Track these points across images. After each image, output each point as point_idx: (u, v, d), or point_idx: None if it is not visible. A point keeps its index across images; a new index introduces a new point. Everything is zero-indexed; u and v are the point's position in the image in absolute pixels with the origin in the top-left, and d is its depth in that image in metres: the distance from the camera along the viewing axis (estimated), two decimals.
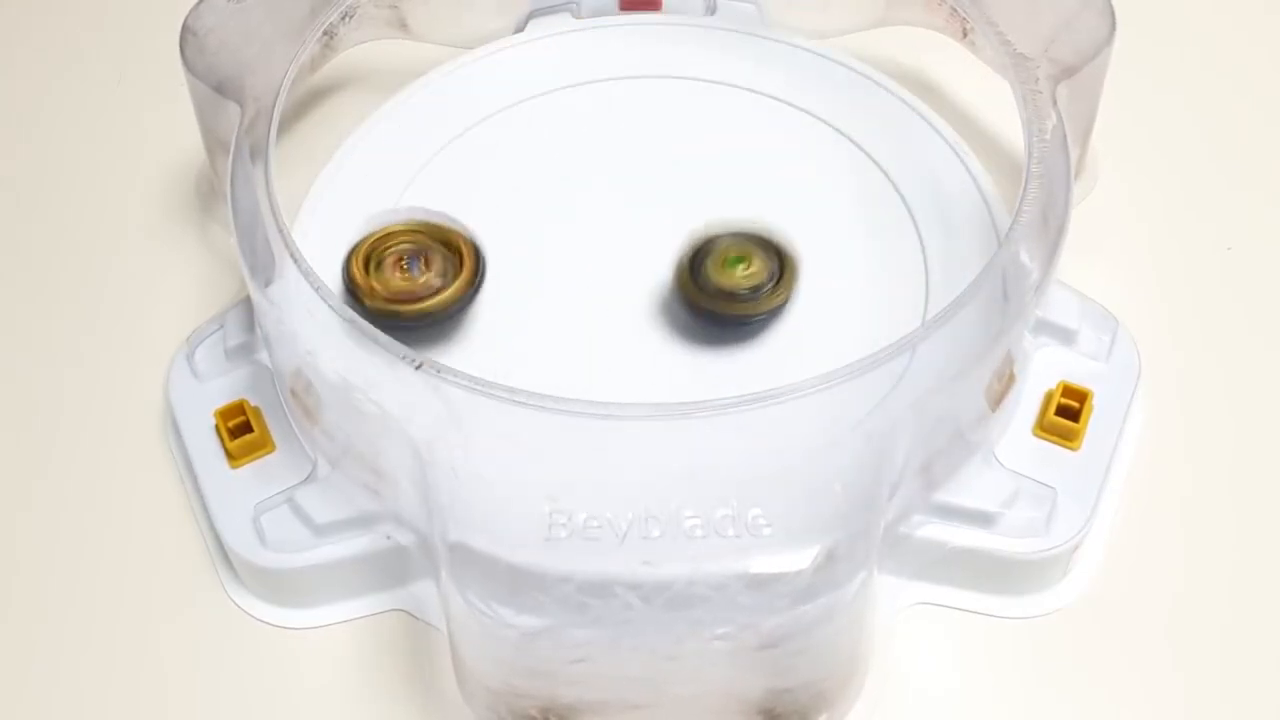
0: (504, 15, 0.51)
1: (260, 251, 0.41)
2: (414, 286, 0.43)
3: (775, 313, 0.43)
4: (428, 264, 0.43)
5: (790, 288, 0.43)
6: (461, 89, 0.50)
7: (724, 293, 0.43)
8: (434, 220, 0.44)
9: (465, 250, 0.43)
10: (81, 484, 0.45)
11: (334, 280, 0.42)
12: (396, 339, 0.38)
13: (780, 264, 0.43)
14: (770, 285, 0.43)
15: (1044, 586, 0.42)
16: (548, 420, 0.37)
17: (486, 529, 0.37)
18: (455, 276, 0.43)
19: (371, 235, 0.43)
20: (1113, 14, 0.45)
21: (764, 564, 0.36)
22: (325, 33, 0.48)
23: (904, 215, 0.46)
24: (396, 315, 0.42)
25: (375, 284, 0.42)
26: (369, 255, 0.43)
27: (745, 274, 0.43)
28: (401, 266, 0.43)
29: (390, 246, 0.43)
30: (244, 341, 0.45)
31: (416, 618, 0.42)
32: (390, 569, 0.42)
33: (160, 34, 0.48)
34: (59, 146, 0.53)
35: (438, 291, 0.43)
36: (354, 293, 0.42)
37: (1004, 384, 0.42)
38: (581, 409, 0.37)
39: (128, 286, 0.49)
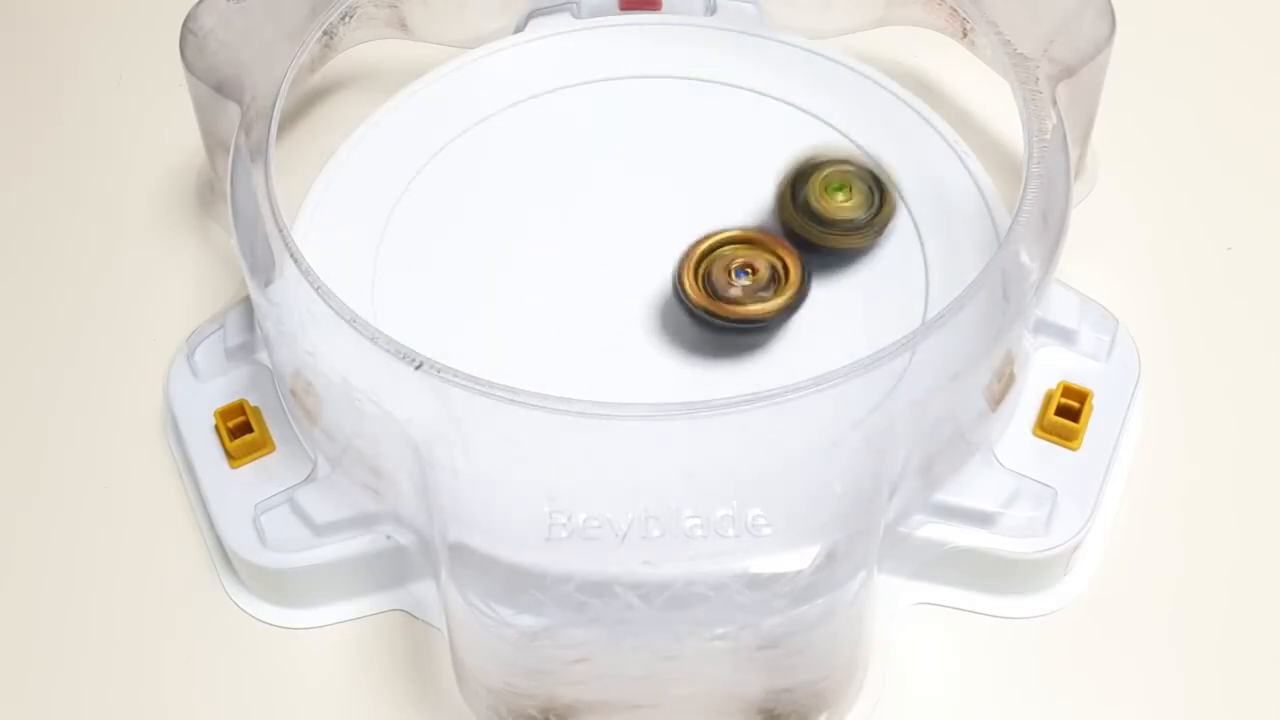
0: (504, 15, 0.51)
1: (260, 251, 0.41)
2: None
3: (873, 244, 0.44)
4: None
5: (888, 220, 0.44)
6: (461, 89, 0.50)
7: (825, 220, 0.44)
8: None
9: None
10: (82, 484, 0.45)
11: (340, 280, 0.41)
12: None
13: (881, 196, 0.44)
14: (868, 217, 0.44)
15: (1044, 586, 0.42)
16: (548, 420, 0.37)
17: (486, 529, 0.37)
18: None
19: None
20: (1113, 14, 0.45)
21: (764, 564, 0.36)
22: (325, 33, 0.48)
23: (904, 215, 0.46)
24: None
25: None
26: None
27: (845, 203, 0.44)
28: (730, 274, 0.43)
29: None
30: (244, 341, 0.45)
31: (416, 618, 0.42)
32: (390, 569, 0.42)
33: (160, 34, 0.48)
34: (59, 146, 0.53)
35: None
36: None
37: (1004, 384, 0.42)
38: (581, 409, 0.37)
39: (128, 286, 0.49)
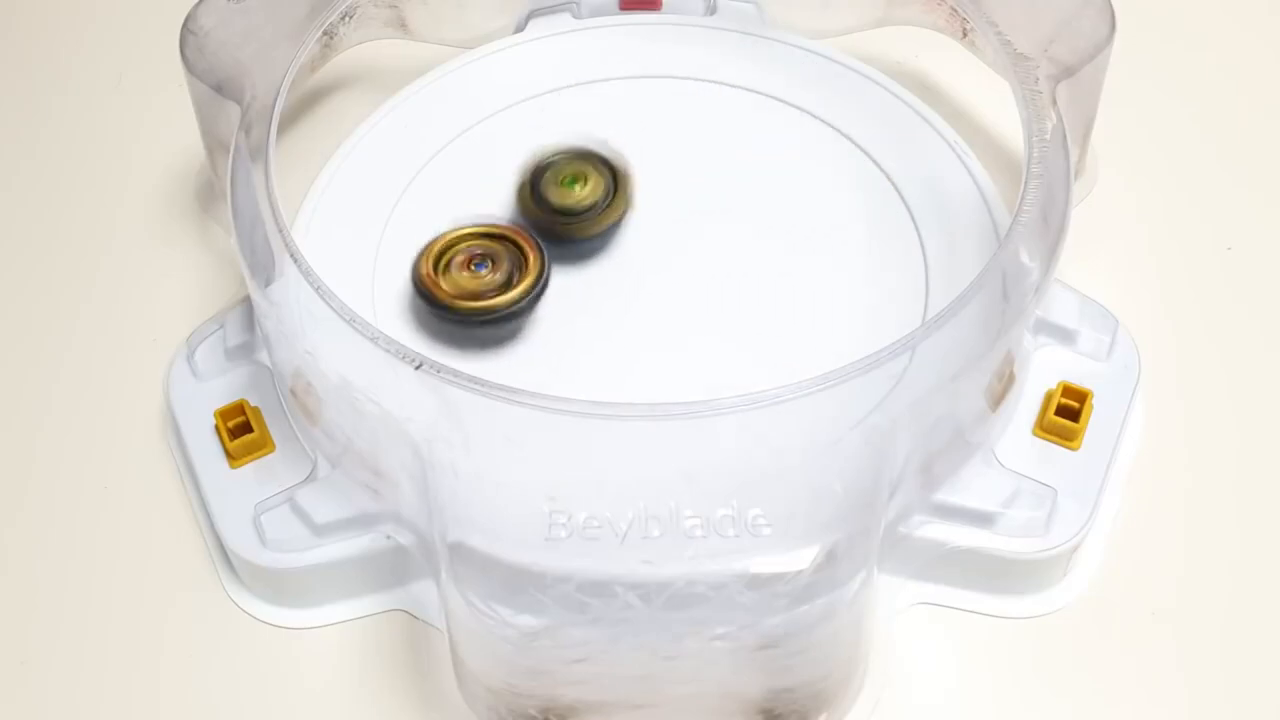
0: (504, 15, 0.51)
1: (260, 251, 0.41)
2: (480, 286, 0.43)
3: (614, 229, 0.45)
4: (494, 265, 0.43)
5: (625, 203, 0.45)
6: (461, 89, 0.50)
7: (563, 211, 0.44)
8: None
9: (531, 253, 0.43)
10: (82, 484, 0.45)
11: (340, 280, 0.41)
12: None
13: (614, 180, 0.45)
14: (606, 202, 0.45)
15: (1044, 586, 0.42)
16: (548, 420, 0.37)
17: (486, 529, 0.37)
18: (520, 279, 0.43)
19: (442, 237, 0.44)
20: (1112, 14, 0.45)
21: (764, 564, 0.36)
22: (325, 33, 0.48)
23: (904, 215, 0.46)
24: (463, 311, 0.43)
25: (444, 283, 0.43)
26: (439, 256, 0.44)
27: (583, 193, 0.45)
28: (470, 267, 0.43)
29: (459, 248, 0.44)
30: (244, 341, 0.45)
31: (416, 618, 0.42)
32: (390, 569, 0.42)
33: (160, 34, 0.48)
34: (59, 146, 0.53)
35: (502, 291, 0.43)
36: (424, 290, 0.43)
37: (1004, 384, 0.42)
38: (581, 409, 0.37)
39: (128, 286, 0.49)
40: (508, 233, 0.44)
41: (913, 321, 0.43)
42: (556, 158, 0.45)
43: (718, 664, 0.37)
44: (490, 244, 0.44)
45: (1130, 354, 0.45)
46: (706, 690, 0.39)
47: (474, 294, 0.43)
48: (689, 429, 0.37)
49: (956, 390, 0.39)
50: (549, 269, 0.43)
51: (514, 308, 0.43)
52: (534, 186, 0.45)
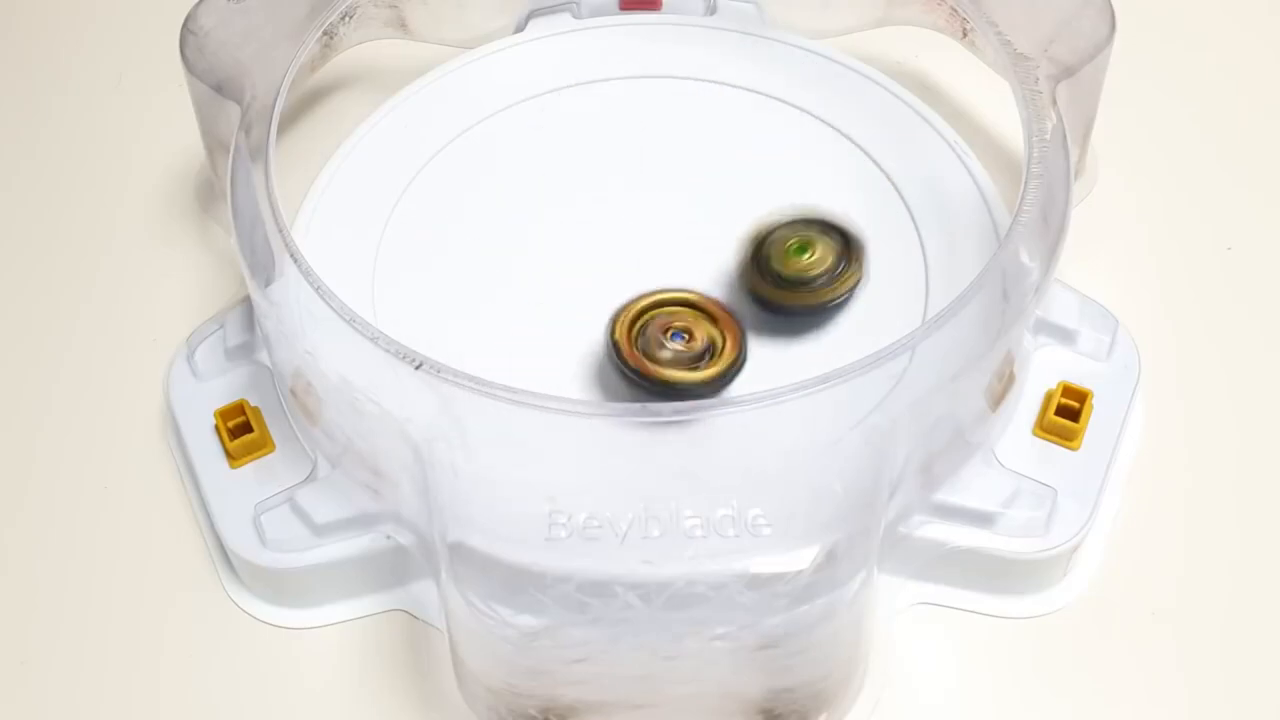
0: (504, 15, 0.51)
1: (260, 251, 0.41)
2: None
3: (849, 296, 0.43)
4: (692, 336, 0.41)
5: (859, 269, 0.43)
6: (461, 89, 0.50)
7: (794, 281, 0.43)
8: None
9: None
10: (82, 484, 0.45)
11: (340, 280, 0.41)
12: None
13: (846, 245, 0.43)
14: (841, 269, 0.43)
15: (1044, 586, 0.42)
16: (548, 420, 0.37)
17: (486, 529, 0.37)
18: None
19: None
20: (1112, 14, 0.45)
21: (764, 564, 0.36)
22: (325, 33, 0.48)
23: (904, 215, 0.46)
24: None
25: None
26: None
27: (810, 260, 0.43)
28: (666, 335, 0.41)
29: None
30: (244, 341, 0.45)
31: (416, 618, 0.42)
32: (390, 569, 0.42)
33: (160, 34, 0.48)
34: (59, 146, 0.53)
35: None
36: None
37: (1004, 384, 0.42)
38: (581, 409, 0.37)
39: (128, 286, 0.49)
40: (711, 308, 0.42)
41: (913, 321, 0.43)
42: (785, 223, 0.43)
43: (718, 664, 0.37)
44: (691, 314, 0.42)
45: (1130, 354, 0.45)
46: (706, 690, 0.39)
47: (665, 363, 0.41)
48: (689, 429, 0.37)
49: (956, 390, 0.39)
50: (745, 353, 0.41)
51: (704, 385, 0.41)
52: (757, 253, 0.43)
